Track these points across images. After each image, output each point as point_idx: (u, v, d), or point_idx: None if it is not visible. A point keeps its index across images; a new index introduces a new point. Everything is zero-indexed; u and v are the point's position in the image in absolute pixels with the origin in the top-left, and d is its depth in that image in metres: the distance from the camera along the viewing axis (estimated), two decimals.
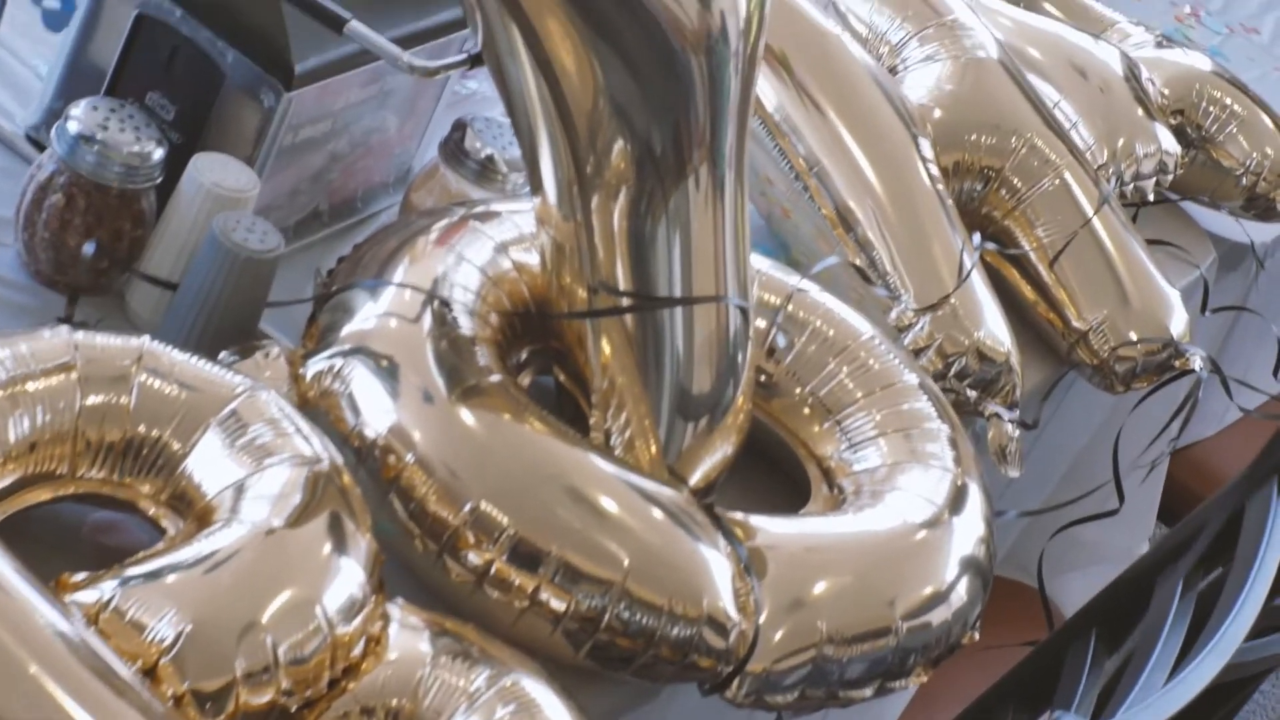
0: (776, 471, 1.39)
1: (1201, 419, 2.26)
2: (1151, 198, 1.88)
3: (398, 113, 1.39)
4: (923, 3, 1.79)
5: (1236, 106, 2.01)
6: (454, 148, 1.37)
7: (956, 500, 1.32)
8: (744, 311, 1.27)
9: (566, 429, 1.19)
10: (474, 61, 1.22)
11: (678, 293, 1.23)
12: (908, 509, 1.30)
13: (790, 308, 1.39)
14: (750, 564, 1.19)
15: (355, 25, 1.20)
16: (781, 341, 1.39)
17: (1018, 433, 1.54)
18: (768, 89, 1.60)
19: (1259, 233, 2.12)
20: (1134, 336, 1.67)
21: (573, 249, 1.21)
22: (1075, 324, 1.68)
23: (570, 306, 1.24)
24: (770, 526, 1.26)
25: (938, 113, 1.70)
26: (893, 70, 1.77)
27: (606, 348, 1.23)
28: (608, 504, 1.17)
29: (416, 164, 1.44)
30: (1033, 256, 1.69)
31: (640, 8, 1.14)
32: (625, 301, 1.22)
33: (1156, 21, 2.48)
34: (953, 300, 1.54)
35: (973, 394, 1.54)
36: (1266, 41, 2.58)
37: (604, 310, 1.21)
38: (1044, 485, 1.88)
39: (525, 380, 1.27)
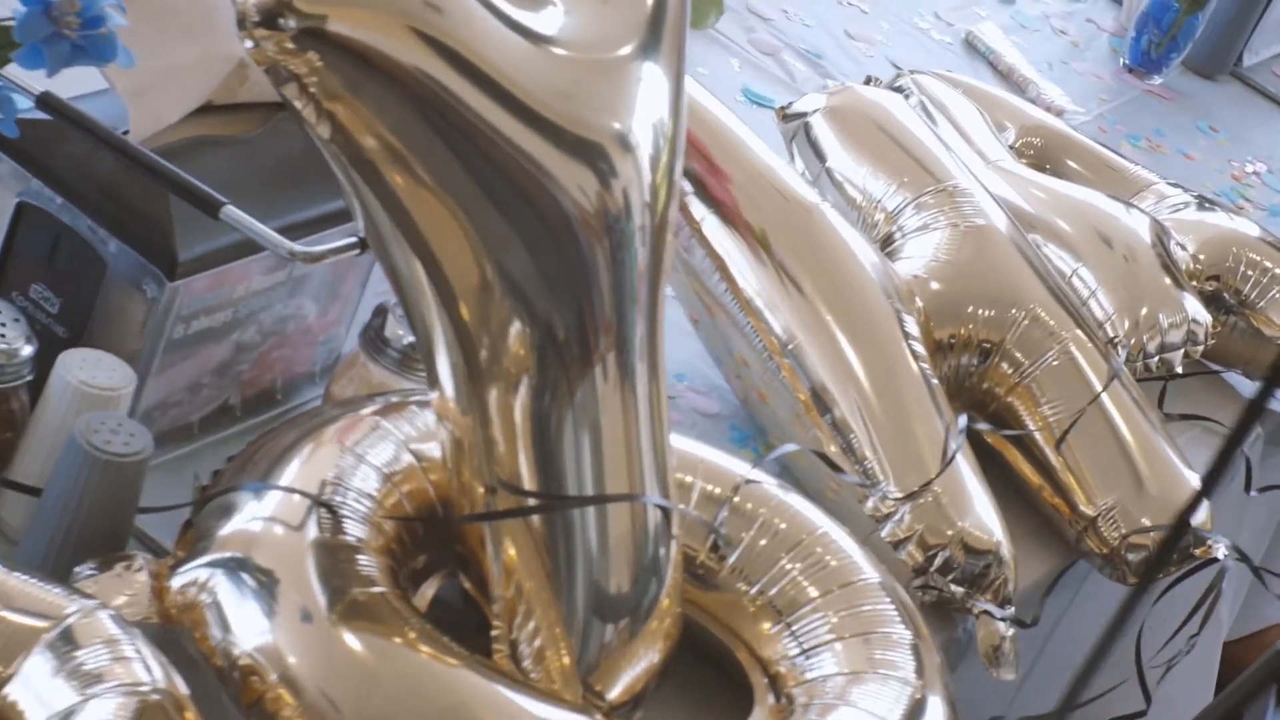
0: (721, 679, 1.28)
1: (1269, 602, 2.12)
2: (1180, 369, 1.75)
3: (316, 298, 1.30)
4: (920, 168, 1.70)
5: (1277, 269, 1.88)
6: (374, 335, 1.28)
7: (913, 718, 1.20)
8: (664, 509, 1.16)
9: (458, 650, 1.09)
10: (363, 245, 1.14)
11: (589, 491, 1.13)
12: None
13: (738, 499, 1.29)
14: None
15: (232, 210, 1.12)
16: (727, 536, 1.28)
17: (1011, 631, 1.41)
18: (744, 266, 1.50)
19: None
20: (1147, 523, 1.54)
21: (471, 445, 1.12)
22: (1083, 509, 1.55)
23: (472, 507, 1.13)
24: None
25: (935, 284, 1.59)
26: (889, 239, 1.67)
27: (511, 551, 1.13)
28: None
29: (346, 351, 1.35)
30: (1037, 437, 1.57)
31: (528, 190, 1.05)
32: (531, 501, 1.12)
33: (1210, 181, 2.37)
34: (935, 487, 1.43)
35: (958, 590, 1.42)
36: None
37: (503, 513, 1.11)
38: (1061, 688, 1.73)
39: (429, 590, 1.17)
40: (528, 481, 1.11)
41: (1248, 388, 1.93)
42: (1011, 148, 2.02)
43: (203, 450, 1.28)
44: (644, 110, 1.10)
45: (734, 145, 1.57)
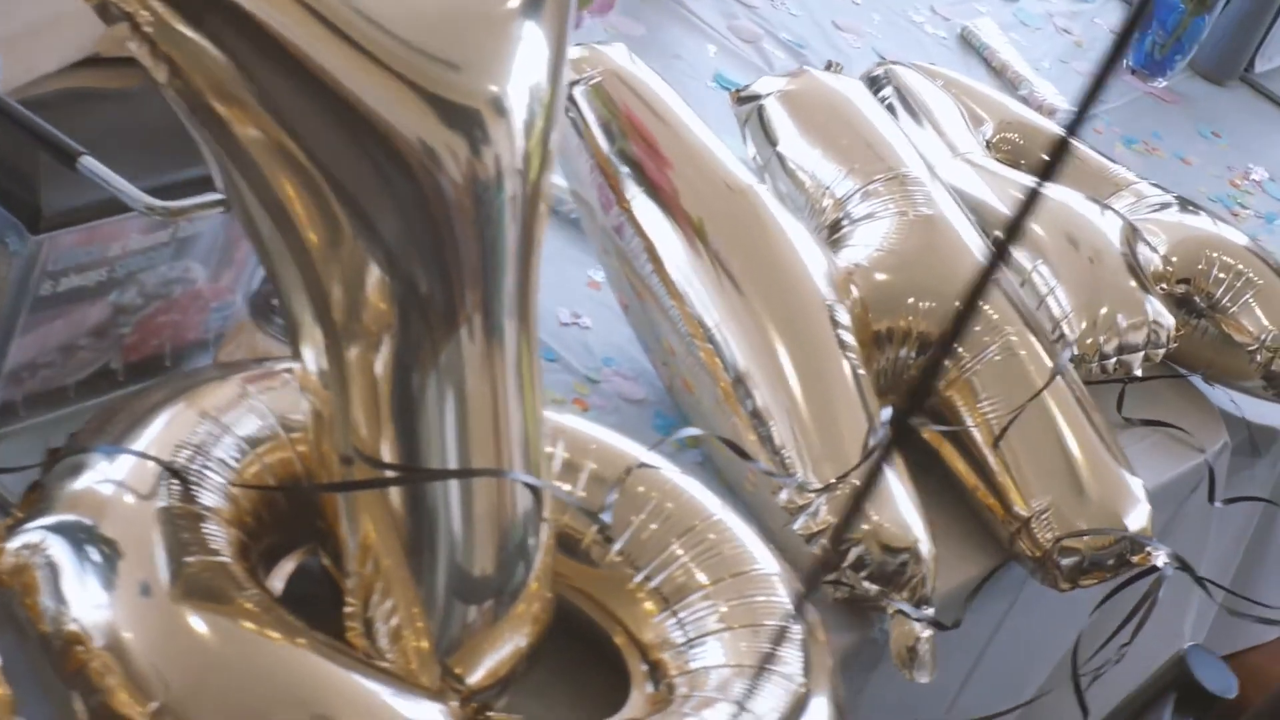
0: (599, 664, 1.23)
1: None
2: (1139, 372, 1.69)
3: (206, 262, 1.26)
4: (871, 154, 1.64)
5: (1253, 275, 1.82)
6: (262, 302, 1.24)
7: (793, 717, 1.15)
8: (534, 488, 1.11)
9: (301, 627, 1.04)
10: (227, 204, 1.09)
11: (452, 463, 1.08)
12: None
13: (629, 483, 1.24)
14: None
15: (89, 161, 1.08)
16: (616, 520, 1.23)
17: (928, 633, 1.36)
18: (673, 249, 1.46)
19: None
20: (1083, 527, 1.48)
21: (329, 414, 1.07)
22: (1017, 510, 1.49)
23: (330, 480, 1.09)
24: None
25: (877, 274, 1.54)
26: (837, 225, 1.62)
27: (367, 526, 1.08)
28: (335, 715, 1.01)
29: (237, 318, 1.31)
30: (975, 434, 1.52)
31: (389, 152, 1.00)
32: (389, 474, 1.07)
33: (1205, 186, 2.31)
34: (854, 480, 1.37)
35: (872, 588, 1.36)
36: None
37: (355, 483, 1.06)
38: (1008, 697, 1.68)
39: (288, 566, 1.13)
40: (386, 452, 1.06)
41: (1217, 395, 1.86)
42: (988, 143, 1.97)
43: (82, 414, 1.24)
44: (522, 72, 1.06)
45: (674, 126, 1.53)
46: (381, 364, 1.04)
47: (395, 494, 1.08)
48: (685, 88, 1.64)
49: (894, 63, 2.00)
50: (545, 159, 1.07)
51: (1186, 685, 1.12)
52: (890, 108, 1.93)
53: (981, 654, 1.63)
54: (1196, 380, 1.86)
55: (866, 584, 1.36)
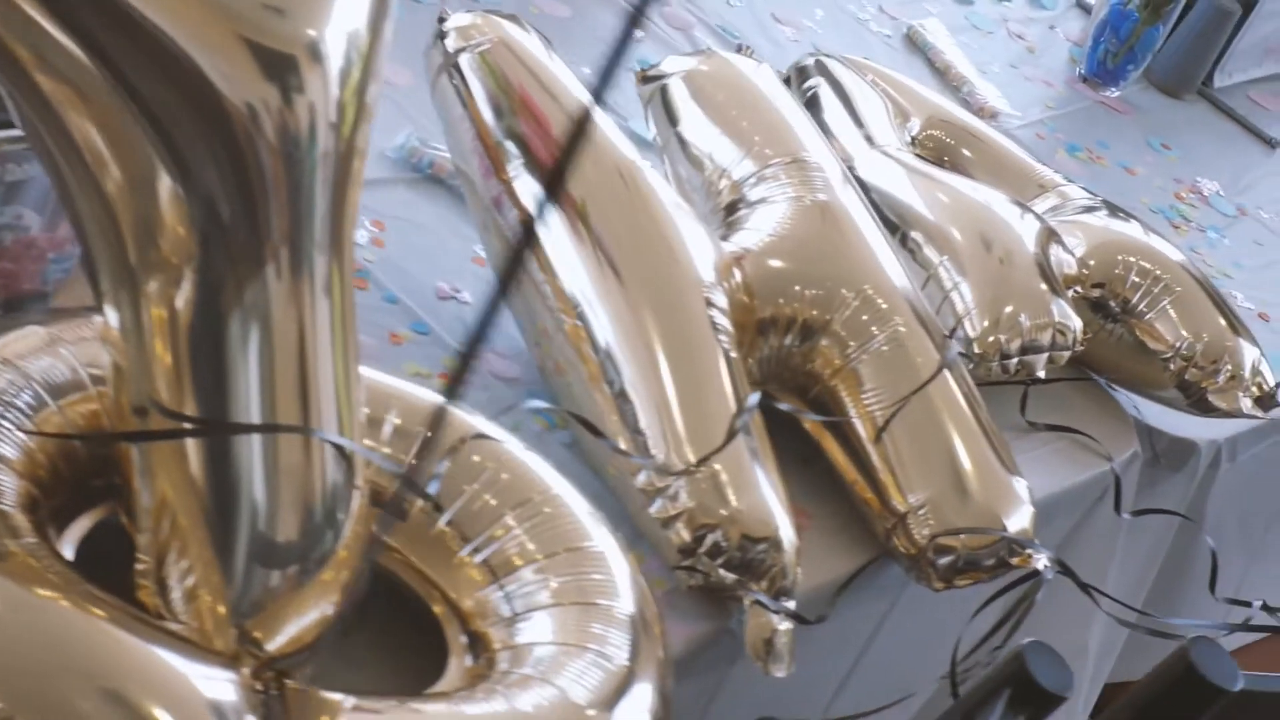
0: (426, 636, 1.18)
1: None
2: (1042, 374, 1.65)
3: (40, 210, 1.22)
4: (772, 137, 1.60)
5: (1172, 282, 1.77)
6: None
7: (612, 701, 1.10)
8: (344, 451, 1.07)
9: (81, 585, 0.99)
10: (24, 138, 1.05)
11: (255, 416, 1.03)
12: (549, 707, 1.08)
13: (464, 452, 1.19)
14: None
15: None
16: (446, 490, 1.19)
17: (785, 625, 1.31)
18: (554, 228, 1.41)
19: (1225, 429, 1.88)
20: (959, 525, 1.43)
21: (126, 361, 1.02)
22: (894, 504, 1.45)
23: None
24: (376, 711, 1.06)
25: (766, 259, 1.50)
26: (733, 208, 1.57)
27: (162, 481, 1.03)
28: (110, 685, 0.97)
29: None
30: (856, 425, 1.47)
31: (191, 97, 0.95)
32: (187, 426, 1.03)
33: (1149, 197, 2.26)
34: (715, 465, 1.33)
35: (728, 576, 1.32)
36: None
37: (145, 434, 1.02)
38: (889, 699, 1.63)
39: (85, 523, 1.09)
40: (184, 403, 1.02)
41: (1140, 408, 1.81)
42: (913, 139, 1.93)
43: None
44: (341, 16, 1.01)
45: (562, 101, 1.48)
46: (182, 301, 0.99)
47: (193, 448, 1.03)
48: None
49: (825, 55, 1.96)
50: (361, 113, 1.02)
51: (1021, 681, 1.07)
52: (815, 98, 1.88)
53: (862, 654, 1.58)
54: (1119, 392, 1.81)
55: (723, 572, 1.31)
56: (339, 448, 1.06)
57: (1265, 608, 1.60)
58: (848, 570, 1.46)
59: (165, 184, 0.96)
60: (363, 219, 1.55)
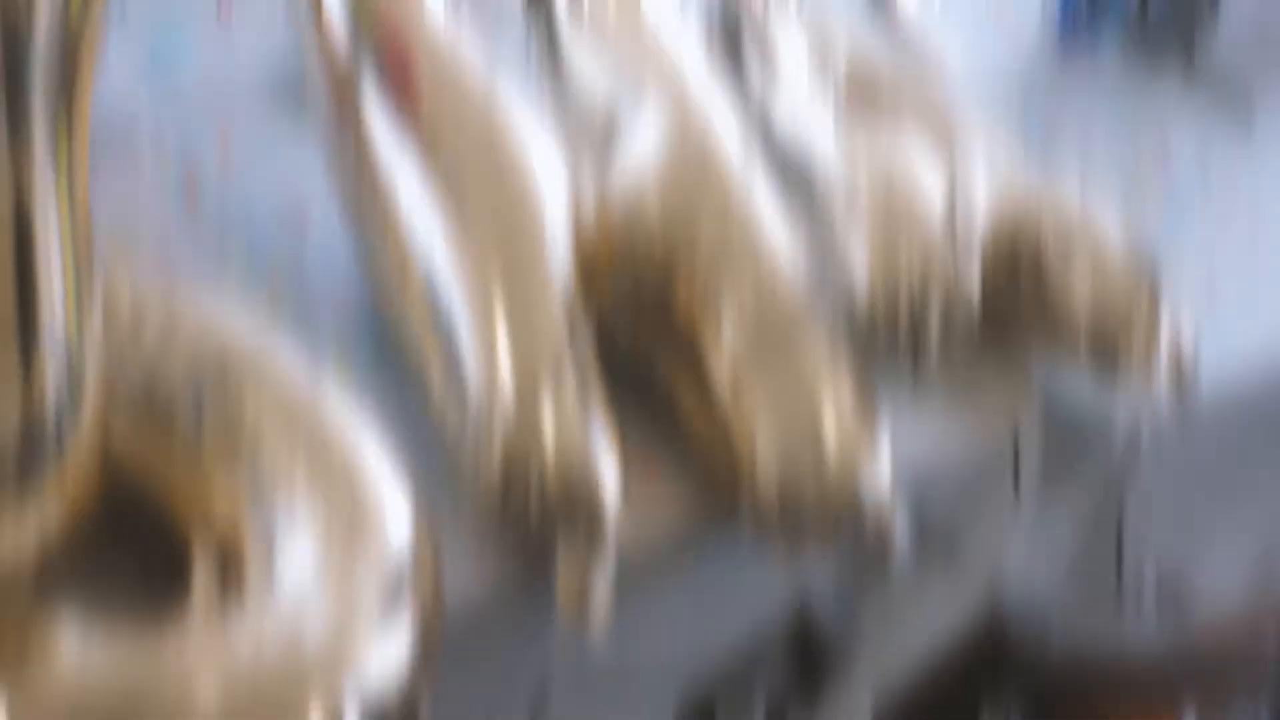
0: (172, 557, 1.10)
1: None
2: (935, 332, 1.55)
3: None
4: (656, 66, 1.51)
5: (1091, 243, 1.67)
6: None
7: (370, 630, 1.03)
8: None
9: None
10: None
11: None
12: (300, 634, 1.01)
13: (232, 365, 1.11)
14: None
15: None
16: (211, 402, 1.11)
17: (603, 578, 1.23)
18: (403, 157, 1.34)
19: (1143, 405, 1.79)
20: (811, 485, 1.34)
21: None
22: (743, 459, 1.36)
23: None
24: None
25: (634, 191, 1.41)
26: (608, 138, 1.48)
27: None
28: None
29: None
30: (712, 372, 1.39)
31: None
32: None
33: (1110, 162, 2.16)
34: (539, 394, 1.25)
35: (543, 516, 1.23)
36: None
37: None
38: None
39: None
40: None
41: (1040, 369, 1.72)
42: (836, 81, 1.83)
43: None
44: None
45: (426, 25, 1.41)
46: None
47: None
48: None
49: None
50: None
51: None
52: (736, 34, 1.79)
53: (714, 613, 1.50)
54: (1027, 360, 1.71)
55: (537, 511, 1.23)
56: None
57: None
58: (688, 526, 1.38)
59: None
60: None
